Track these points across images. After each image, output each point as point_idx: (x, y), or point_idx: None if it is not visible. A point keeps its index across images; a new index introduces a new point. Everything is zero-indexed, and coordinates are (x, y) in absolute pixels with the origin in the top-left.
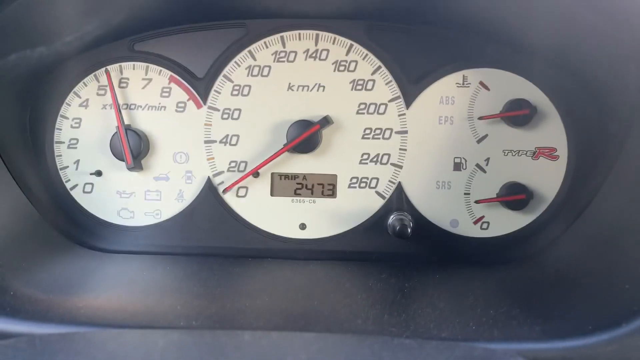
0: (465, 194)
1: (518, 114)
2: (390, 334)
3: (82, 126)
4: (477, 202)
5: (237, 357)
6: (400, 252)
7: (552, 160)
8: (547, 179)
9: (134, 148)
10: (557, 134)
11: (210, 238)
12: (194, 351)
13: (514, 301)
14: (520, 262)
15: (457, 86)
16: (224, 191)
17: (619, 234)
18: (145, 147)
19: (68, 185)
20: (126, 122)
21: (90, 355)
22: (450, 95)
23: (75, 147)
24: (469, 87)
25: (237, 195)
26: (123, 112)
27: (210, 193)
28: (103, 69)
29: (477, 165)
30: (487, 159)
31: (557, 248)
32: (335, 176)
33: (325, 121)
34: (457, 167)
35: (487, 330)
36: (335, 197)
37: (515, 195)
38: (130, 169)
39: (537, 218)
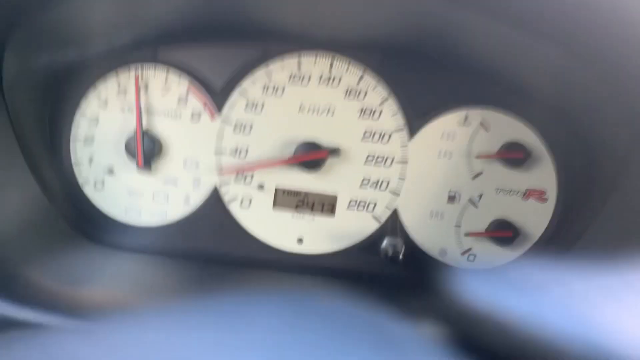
0: (456, 225)
1: (513, 156)
2: None
3: (99, 125)
4: (467, 234)
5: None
6: (390, 274)
7: (540, 202)
8: (535, 219)
9: (147, 151)
10: (548, 177)
11: (212, 243)
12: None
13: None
14: None
15: (459, 124)
16: (224, 172)
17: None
18: (158, 150)
19: (80, 181)
20: (144, 125)
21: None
22: (451, 131)
23: (91, 145)
24: (469, 125)
25: (241, 206)
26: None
27: (215, 201)
28: (127, 72)
29: (470, 199)
30: (480, 195)
31: None
32: (335, 197)
33: (335, 152)
34: (451, 199)
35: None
36: (333, 216)
37: (502, 231)
38: (140, 170)
39: (522, 254)
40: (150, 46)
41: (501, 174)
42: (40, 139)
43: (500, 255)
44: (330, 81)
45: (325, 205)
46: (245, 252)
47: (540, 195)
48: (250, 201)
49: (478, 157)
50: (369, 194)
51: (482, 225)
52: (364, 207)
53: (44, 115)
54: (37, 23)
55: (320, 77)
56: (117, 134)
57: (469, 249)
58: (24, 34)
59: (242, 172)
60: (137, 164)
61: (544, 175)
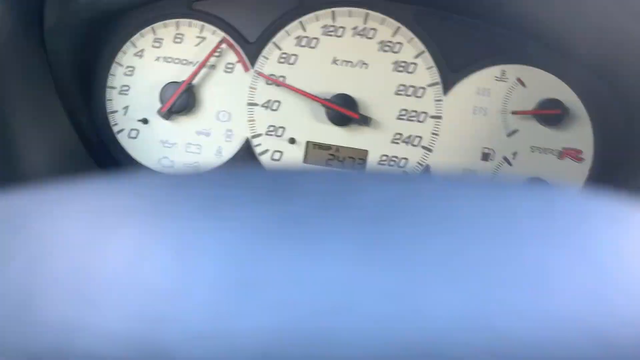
0: None
1: (550, 113)
2: None
3: (135, 74)
4: None
5: None
6: None
7: (576, 162)
8: (570, 179)
9: (179, 103)
10: (585, 137)
11: None
12: None
13: None
14: None
15: (495, 79)
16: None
17: None
18: (192, 102)
19: (115, 129)
20: (182, 78)
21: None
22: (487, 88)
23: (127, 94)
24: (506, 81)
25: (272, 158)
26: (174, 65)
27: (247, 153)
28: (161, 23)
29: (505, 157)
30: (515, 153)
31: None
32: (366, 151)
33: (366, 120)
34: (485, 157)
35: None
36: None
37: None
38: (160, 115)
39: None
40: None
41: (537, 132)
42: (78, 86)
43: None
44: (365, 33)
45: (357, 160)
46: None
47: (576, 155)
48: (282, 154)
49: (514, 113)
50: (401, 149)
51: None
52: (395, 162)
53: (81, 62)
54: None
55: (355, 29)
56: (152, 83)
57: None
58: None
59: (273, 81)
60: (160, 110)
61: (581, 134)
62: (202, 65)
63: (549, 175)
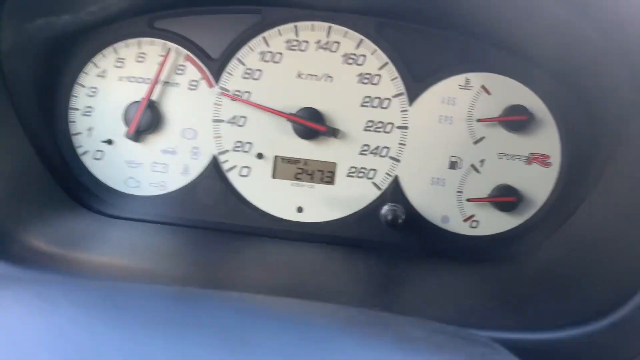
0: (458, 192)
1: (515, 119)
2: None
3: (98, 95)
4: (468, 200)
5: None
6: (391, 241)
7: (544, 167)
8: (538, 184)
9: (145, 121)
10: (551, 141)
11: (211, 213)
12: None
13: (494, 295)
14: (506, 261)
15: (460, 88)
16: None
17: (601, 240)
18: (156, 120)
19: (79, 151)
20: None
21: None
22: (452, 96)
23: (90, 115)
24: (470, 89)
25: (240, 175)
26: (137, 85)
27: (214, 170)
28: (122, 42)
29: (472, 165)
30: (482, 161)
31: (541, 250)
32: (335, 164)
33: (334, 132)
34: (453, 165)
35: (463, 316)
36: (333, 184)
37: (506, 197)
38: (129, 137)
39: (525, 221)
40: (146, 16)
41: (504, 138)
42: (39, 109)
43: (504, 221)
44: (329, 46)
45: (325, 173)
46: (245, 220)
47: (544, 160)
48: (250, 170)
49: (480, 121)
50: (369, 161)
51: (484, 191)
52: (364, 174)
53: (42, 85)
54: None
55: (319, 42)
56: (116, 104)
57: (472, 216)
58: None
59: (237, 100)
60: (127, 131)
61: (548, 139)
62: (157, 78)
63: (517, 181)
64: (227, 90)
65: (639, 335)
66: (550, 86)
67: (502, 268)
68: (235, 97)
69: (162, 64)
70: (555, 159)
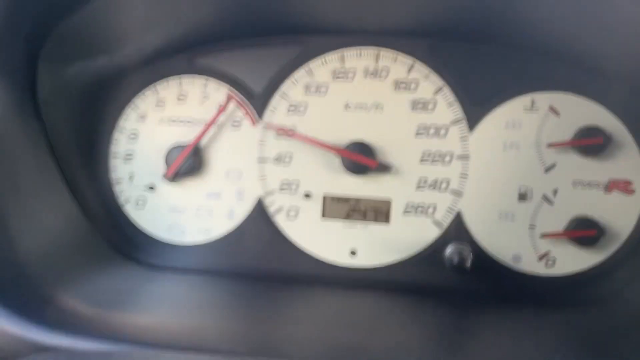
0: (530, 227)
1: (591, 143)
2: None
3: (139, 139)
4: (542, 236)
5: None
6: (458, 287)
7: (626, 195)
8: (621, 215)
9: (187, 166)
10: (633, 165)
11: (259, 259)
12: None
13: (581, 347)
14: (589, 304)
15: (525, 110)
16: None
17: None
18: (199, 163)
19: (121, 199)
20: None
21: None
22: (516, 120)
23: (131, 160)
24: (537, 111)
25: (288, 217)
26: (179, 126)
27: (260, 213)
28: (163, 81)
29: (544, 196)
30: (555, 190)
31: (631, 290)
32: (389, 202)
33: (385, 168)
34: (522, 197)
35: None
36: (389, 223)
37: (584, 231)
38: (167, 178)
39: (609, 257)
40: (185, 54)
41: (578, 164)
42: (79, 157)
43: (584, 258)
44: (378, 73)
45: (379, 211)
46: (295, 267)
47: (626, 187)
48: (298, 211)
49: (550, 146)
50: (427, 196)
51: (560, 224)
52: (422, 211)
53: (81, 132)
54: (65, 30)
55: (366, 71)
56: (157, 147)
57: (547, 253)
58: (54, 43)
59: (284, 132)
60: (166, 174)
61: (628, 162)
62: (210, 125)
63: (596, 212)
64: (272, 125)
65: None
66: (630, 104)
67: (586, 313)
68: (281, 129)
69: (221, 109)
70: (639, 184)
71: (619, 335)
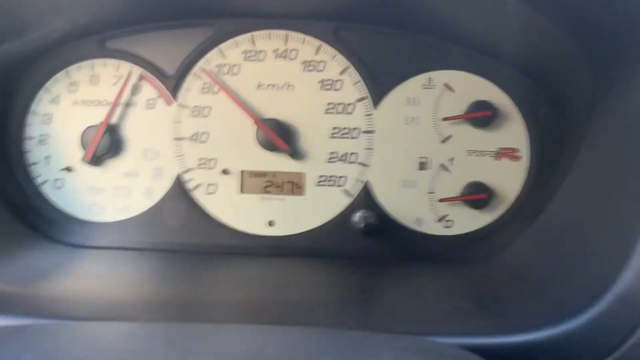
0: (429, 192)
1: (480, 115)
2: (347, 327)
3: (53, 122)
4: (441, 200)
5: (192, 347)
6: (365, 249)
7: (513, 161)
8: (509, 179)
9: (103, 146)
10: (518, 135)
11: (179, 234)
12: (148, 342)
13: (470, 297)
14: (480, 260)
15: (423, 87)
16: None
17: (574, 234)
18: (116, 144)
19: (38, 181)
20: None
21: (41, 346)
22: (416, 96)
23: (46, 143)
24: (434, 88)
25: (207, 193)
26: (93, 108)
27: (179, 190)
28: (75, 65)
29: (442, 164)
30: (452, 159)
31: (516, 247)
32: (303, 174)
33: (294, 152)
34: (422, 166)
35: (440, 324)
36: (304, 195)
37: (477, 195)
38: (86, 162)
39: (498, 218)
40: (97, 37)
41: (471, 135)
42: None
43: (477, 219)
44: (287, 54)
45: (295, 184)
46: (215, 240)
47: (513, 154)
48: (217, 187)
49: (445, 119)
50: (338, 168)
51: (456, 190)
52: (334, 182)
53: None
54: None
55: (276, 51)
56: (72, 130)
57: (445, 216)
58: None
59: (217, 85)
60: (84, 158)
61: (515, 133)
62: (116, 101)
63: (488, 178)
64: (187, 104)
65: (615, 332)
66: (514, 80)
67: (476, 268)
68: (215, 80)
69: (122, 87)
70: (524, 151)
71: (504, 287)
